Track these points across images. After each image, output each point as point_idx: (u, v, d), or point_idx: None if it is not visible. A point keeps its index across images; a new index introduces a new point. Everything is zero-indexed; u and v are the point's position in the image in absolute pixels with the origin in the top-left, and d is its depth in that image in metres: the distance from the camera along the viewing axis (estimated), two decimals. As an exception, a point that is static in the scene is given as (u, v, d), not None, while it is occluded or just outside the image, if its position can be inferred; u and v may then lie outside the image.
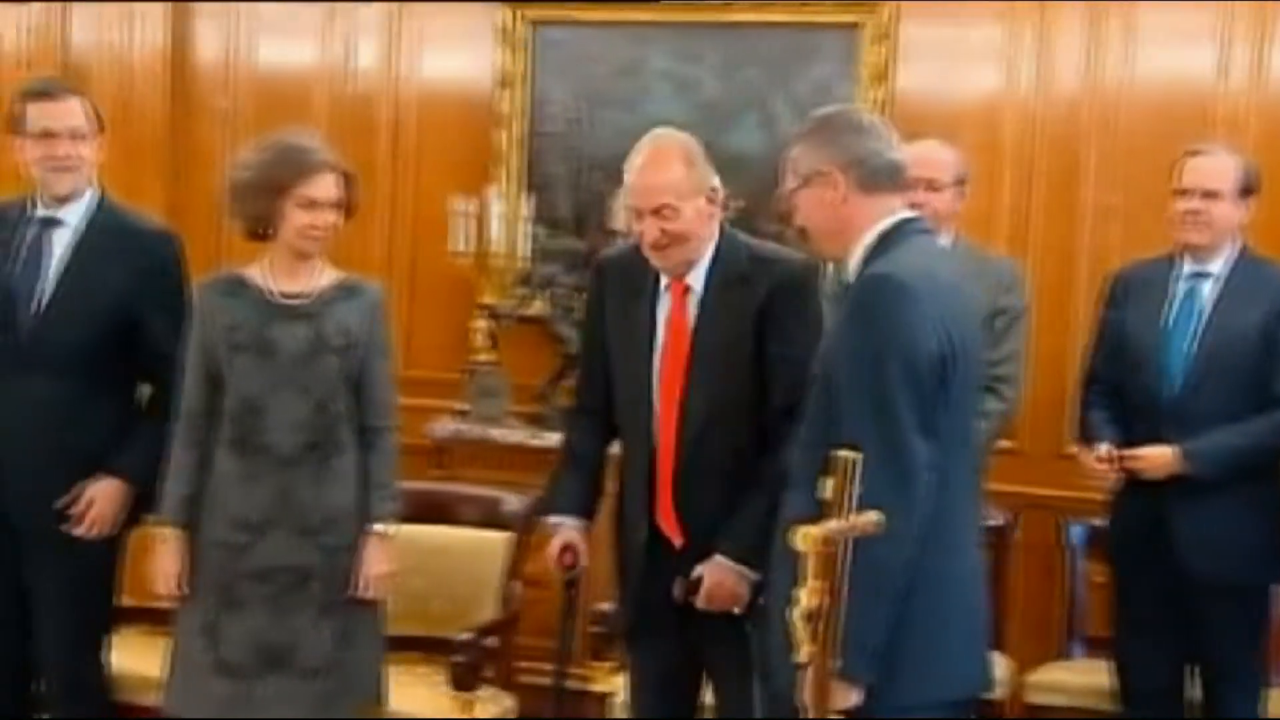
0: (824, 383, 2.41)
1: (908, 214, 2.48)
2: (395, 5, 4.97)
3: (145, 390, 3.43)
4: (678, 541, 2.93)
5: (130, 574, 3.48)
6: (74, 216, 3.33)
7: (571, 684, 3.20)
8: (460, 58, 4.97)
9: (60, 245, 3.31)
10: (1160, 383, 3.42)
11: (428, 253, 4.88)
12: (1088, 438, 3.55)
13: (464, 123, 4.92)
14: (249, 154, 3.16)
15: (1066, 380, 4.26)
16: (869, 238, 2.43)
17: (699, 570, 2.84)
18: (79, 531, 3.28)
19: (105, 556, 3.36)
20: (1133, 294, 3.54)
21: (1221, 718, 3.44)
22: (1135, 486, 3.43)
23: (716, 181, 2.93)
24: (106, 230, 3.33)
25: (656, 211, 2.84)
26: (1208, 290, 3.46)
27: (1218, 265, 3.47)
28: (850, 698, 2.24)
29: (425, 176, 4.96)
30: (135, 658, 3.52)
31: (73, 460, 3.28)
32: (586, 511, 3.07)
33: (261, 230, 3.13)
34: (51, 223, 3.32)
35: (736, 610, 2.83)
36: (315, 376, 3.10)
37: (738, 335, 2.88)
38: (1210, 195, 3.41)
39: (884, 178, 2.45)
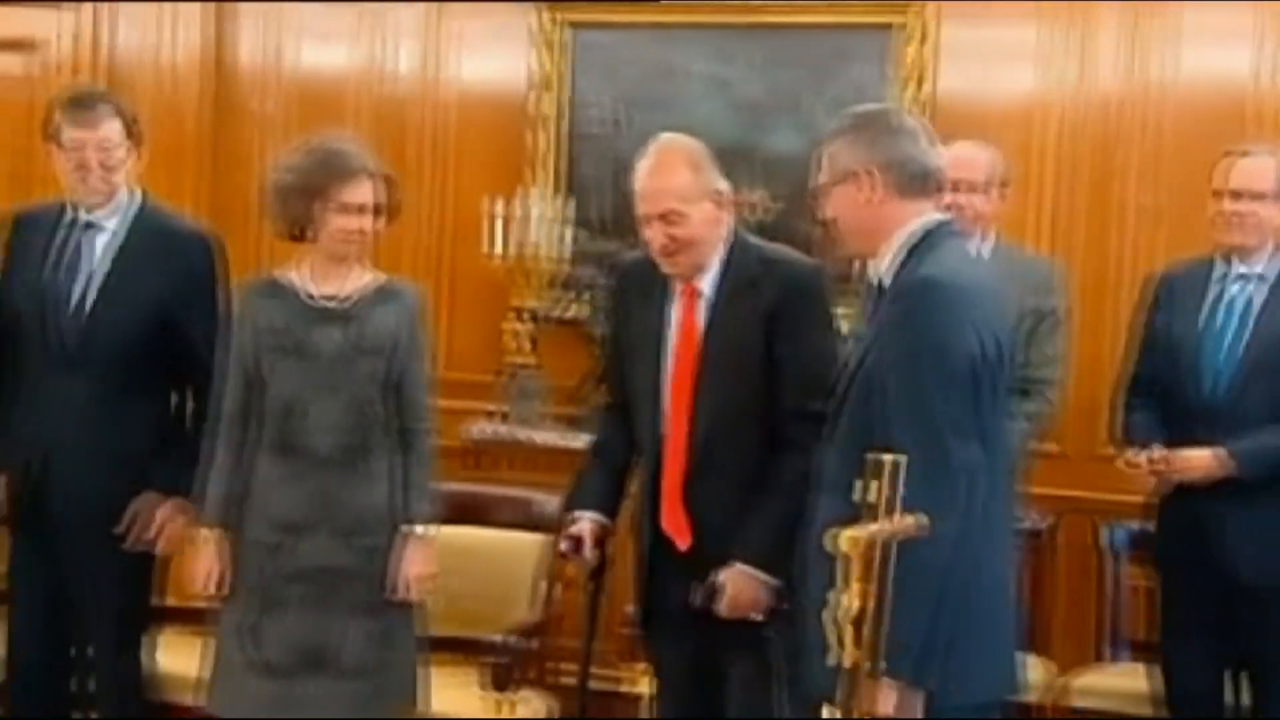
0: (863, 384, 2.40)
1: (941, 217, 2.47)
2: (433, 8, 4.98)
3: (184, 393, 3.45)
4: (682, 544, 2.93)
5: (171, 574, 3.50)
6: (114, 221, 3.35)
7: (604, 685, 3.20)
8: (497, 60, 4.98)
9: (100, 249, 3.34)
10: (1202, 384, 3.40)
11: (464, 255, 4.89)
12: (1129, 439, 3.52)
13: (501, 125, 4.92)
14: (288, 157, 3.18)
15: (1106, 382, 4.22)
16: (902, 239, 2.42)
17: (719, 577, 2.83)
18: (130, 547, 3.33)
19: (145, 557, 3.38)
20: (1174, 296, 3.52)
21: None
22: (1180, 488, 3.40)
23: (724, 185, 2.92)
24: (146, 234, 3.36)
25: (663, 217, 2.84)
26: (1251, 291, 3.42)
27: (1261, 266, 3.43)
28: (897, 701, 2.23)
29: (462, 179, 4.97)
30: (176, 657, 3.54)
31: (114, 460, 3.31)
32: (606, 508, 3.07)
33: (299, 233, 3.14)
34: (91, 227, 3.34)
35: (758, 616, 2.82)
36: (353, 378, 3.12)
37: (747, 339, 2.88)
38: (1255, 196, 3.38)
39: (920, 182, 2.44)
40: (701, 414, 2.89)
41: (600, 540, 3.05)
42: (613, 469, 3.11)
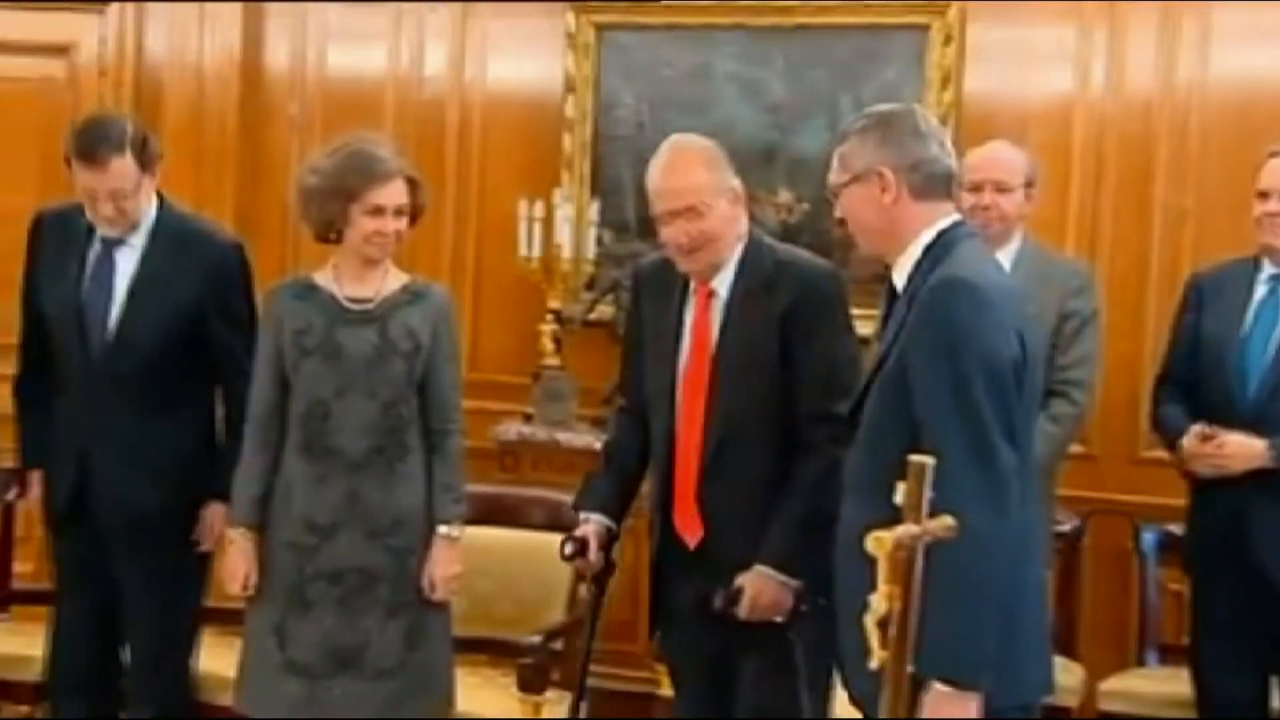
0: (884, 386, 2.38)
1: (957, 218, 2.45)
2: (462, 10, 5.00)
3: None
4: (691, 542, 2.94)
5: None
6: (138, 235, 3.35)
7: (636, 688, 3.21)
8: (527, 62, 4.99)
9: (127, 262, 3.34)
10: (1238, 386, 3.37)
11: (495, 256, 4.91)
12: (1167, 429, 3.50)
13: (531, 127, 4.94)
14: (318, 159, 3.19)
15: (1138, 384, 4.21)
16: (921, 241, 2.40)
17: (739, 580, 2.83)
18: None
19: (194, 560, 3.39)
20: (1211, 297, 3.49)
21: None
22: (1213, 488, 3.38)
23: (737, 183, 2.93)
24: (170, 242, 3.35)
25: (682, 214, 2.85)
26: None
27: None
28: (953, 704, 2.21)
29: (492, 181, 4.99)
30: (210, 658, 3.56)
31: (153, 467, 3.32)
32: (611, 510, 3.08)
33: (330, 234, 3.16)
34: (116, 241, 3.34)
35: (779, 618, 2.82)
36: (382, 380, 3.13)
37: (762, 340, 2.88)
38: None
39: (937, 185, 2.42)
40: (715, 414, 2.89)
41: (606, 543, 3.06)
42: (623, 471, 3.12)
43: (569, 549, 3.04)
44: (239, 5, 5.04)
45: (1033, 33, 4.53)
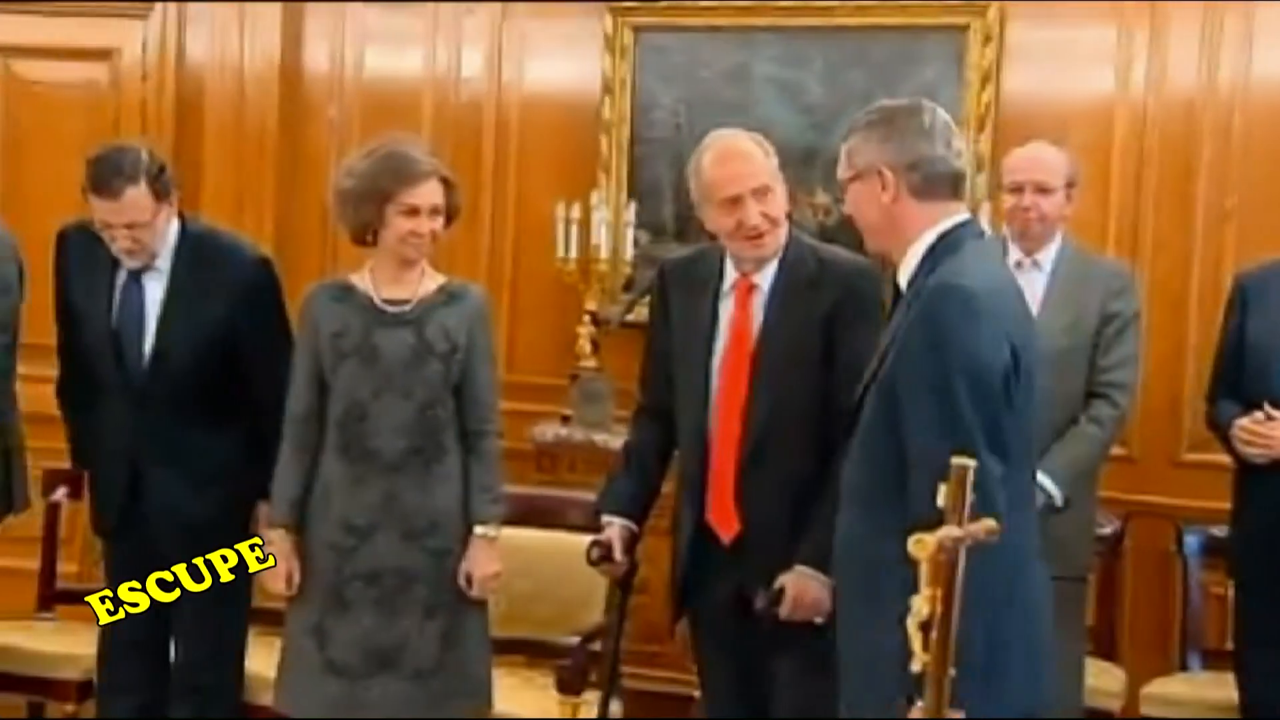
0: (879, 390, 2.36)
1: (961, 219, 2.39)
2: (500, 12, 5.01)
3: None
4: (727, 539, 2.93)
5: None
6: (163, 259, 3.34)
7: (675, 689, 3.21)
8: (564, 65, 4.99)
9: (155, 287, 3.34)
10: None
11: (532, 258, 4.92)
12: (1220, 420, 3.45)
13: (568, 129, 4.94)
14: (353, 162, 3.21)
15: (1179, 385, 4.18)
16: (924, 242, 2.36)
17: (781, 580, 2.83)
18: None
19: (240, 567, 3.38)
20: (1256, 299, 3.46)
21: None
22: (1261, 488, 3.34)
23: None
24: (196, 263, 3.34)
25: (756, 194, 2.85)
26: None
27: None
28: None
29: (529, 183, 4.99)
30: (250, 658, 3.57)
31: (202, 478, 3.35)
32: (634, 512, 3.09)
33: (366, 237, 3.17)
34: (144, 267, 3.35)
35: (819, 619, 2.81)
36: (418, 381, 3.14)
37: (805, 337, 2.88)
38: None
39: (941, 184, 2.37)
40: (756, 409, 2.89)
41: (629, 545, 3.07)
42: (644, 472, 3.13)
43: (595, 554, 3.04)
44: (278, 9, 5.07)
45: (1073, 32, 4.50)
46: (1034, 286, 3.46)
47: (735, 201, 2.87)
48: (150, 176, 3.23)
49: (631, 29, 4.88)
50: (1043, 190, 3.46)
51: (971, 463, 1.99)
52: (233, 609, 3.45)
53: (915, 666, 1.95)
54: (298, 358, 3.21)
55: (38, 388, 3.58)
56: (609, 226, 4.78)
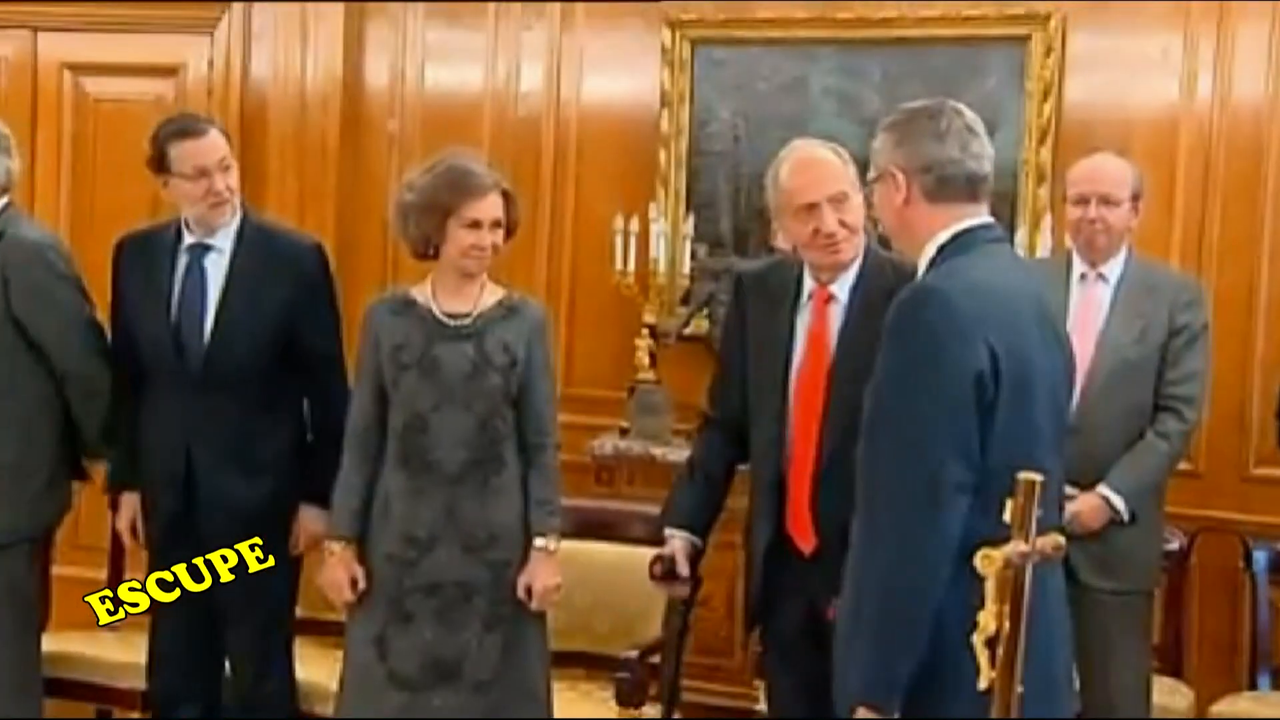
0: (869, 397, 2.34)
1: (976, 221, 2.36)
2: (559, 27, 5.03)
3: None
4: (807, 549, 2.91)
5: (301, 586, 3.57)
6: (225, 240, 3.41)
7: (736, 704, 3.19)
8: (623, 78, 5.01)
9: (216, 269, 3.40)
10: None
11: (590, 271, 4.93)
12: None
13: (626, 142, 4.95)
14: (414, 176, 3.23)
15: (1246, 399, 4.11)
16: (935, 244, 2.35)
17: None
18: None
19: (287, 564, 3.44)
20: None
21: None
22: None
23: None
24: (256, 248, 3.41)
25: (832, 201, 2.85)
26: None
27: None
28: None
29: (588, 196, 5.01)
30: (311, 668, 3.61)
31: (253, 469, 3.38)
32: (698, 526, 3.09)
33: (427, 250, 3.19)
34: (204, 249, 3.40)
35: None
36: (478, 394, 3.16)
37: (874, 344, 2.86)
38: None
39: (954, 187, 2.33)
40: (832, 421, 2.86)
41: (693, 560, 3.07)
42: (706, 485, 3.13)
43: (658, 569, 3.04)
44: (340, 26, 5.12)
45: (1136, 42, 4.45)
46: (1100, 299, 3.44)
47: (812, 209, 2.87)
48: (220, 128, 3.41)
49: (689, 42, 4.89)
50: (1108, 202, 3.42)
51: (1038, 477, 1.98)
52: (281, 608, 3.48)
53: (982, 683, 1.94)
54: (359, 370, 3.23)
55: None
56: (667, 239, 4.78)
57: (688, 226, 4.81)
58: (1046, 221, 4.31)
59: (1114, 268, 3.46)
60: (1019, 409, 2.22)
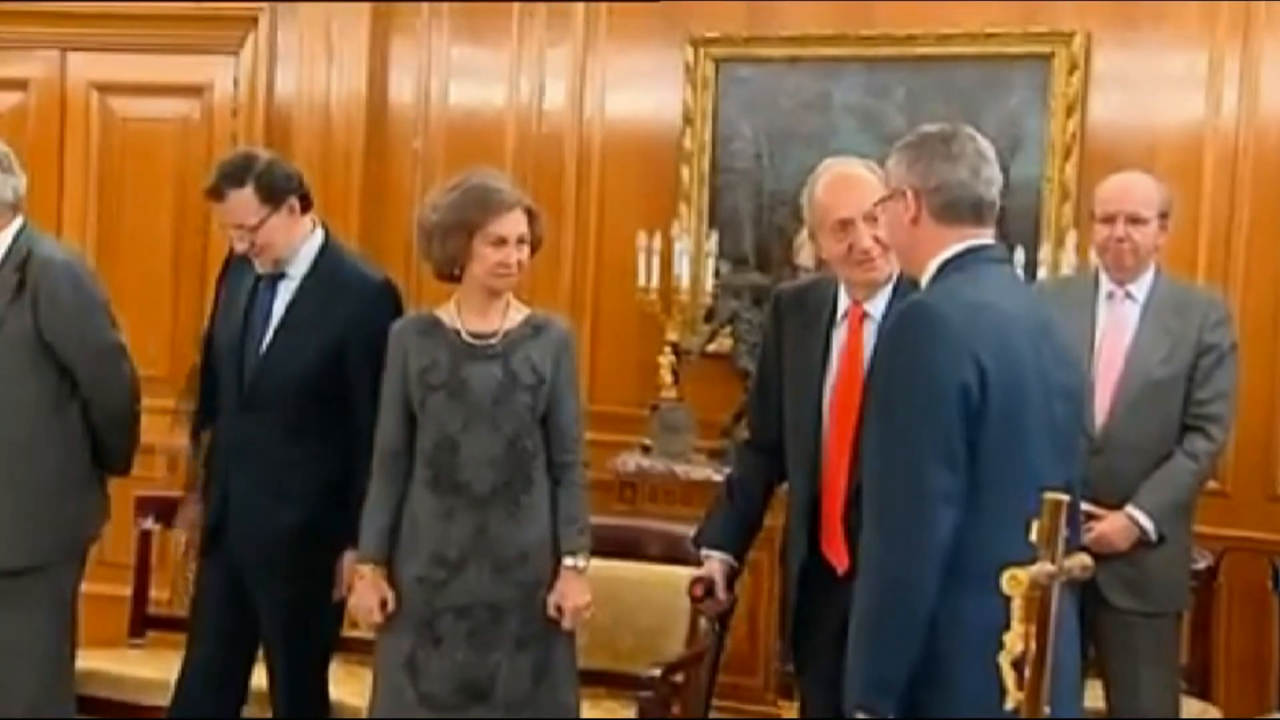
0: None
1: (978, 242, 2.42)
2: (581, 43, 5.05)
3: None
4: (840, 568, 2.90)
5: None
6: (298, 268, 3.41)
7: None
8: (646, 96, 5.02)
9: (285, 294, 3.41)
10: None
11: (613, 289, 4.93)
12: None
13: (649, 160, 4.96)
14: (436, 197, 3.22)
15: (1275, 418, 4.09)
16: (936, 263, 2.41)
17: None
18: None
19: (326, 589, 3.40)
20: None
21: None
22: None
23: None
24: (324, 279, 3.40)
25: (868, 217, 2.85)
26: None
27: None
28: None
29: (611, 213, 5.02)
30: (340, 687, 3.59)
31: (290, 494, 3.36)
32: (734, 547, 3.08)
33: (452, 271, 3.20)
34: (278, 276, 3.42)
35: None
36: (506, 414, 3.15)
37: None
38: None
39: (961, 209, 2.40)
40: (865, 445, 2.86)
41: (730, 581, 3.06)
42: (744, 506, 3.12)
43: (699, 590, 3.03)
44: (364, 45, 5.15)
45: (1160, 60, 4.44)
46: (1127, 318, 3.42)
47: (846, 225, 2.87)
48: (259, 179, 3.33)
49: (712, 60, 4.90)
50: (1136, 221, 3.40)
51: (1064, 497, 1.97)
52: (318, 636, 3.46)
53: (1009, 705, 1.93)
54: (386, 392, 3.23)
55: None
56: (689, 256, 4.78)
57: (710, 244, 4.82)
58: (1070, 239, 4.30)
59: (1142, 286, 3.44)
60: (1010, 421, 2.29)
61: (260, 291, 3.43)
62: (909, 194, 2.41)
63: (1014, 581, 1.89)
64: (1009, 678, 1.93)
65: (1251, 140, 4.34)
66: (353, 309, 3.38)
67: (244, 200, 3.32)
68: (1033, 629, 1.92)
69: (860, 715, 2.25)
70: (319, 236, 3.45)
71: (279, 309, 3.40)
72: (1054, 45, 4.52)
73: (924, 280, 2.43)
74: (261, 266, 3.41)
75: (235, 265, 3.51)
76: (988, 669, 2.16)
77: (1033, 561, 1.93)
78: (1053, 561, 1.93)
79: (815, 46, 4.77)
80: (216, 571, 3.46)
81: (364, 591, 3.20)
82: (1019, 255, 4.43)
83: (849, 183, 2.91)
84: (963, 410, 2.24)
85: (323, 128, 5.16)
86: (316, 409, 3.37)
